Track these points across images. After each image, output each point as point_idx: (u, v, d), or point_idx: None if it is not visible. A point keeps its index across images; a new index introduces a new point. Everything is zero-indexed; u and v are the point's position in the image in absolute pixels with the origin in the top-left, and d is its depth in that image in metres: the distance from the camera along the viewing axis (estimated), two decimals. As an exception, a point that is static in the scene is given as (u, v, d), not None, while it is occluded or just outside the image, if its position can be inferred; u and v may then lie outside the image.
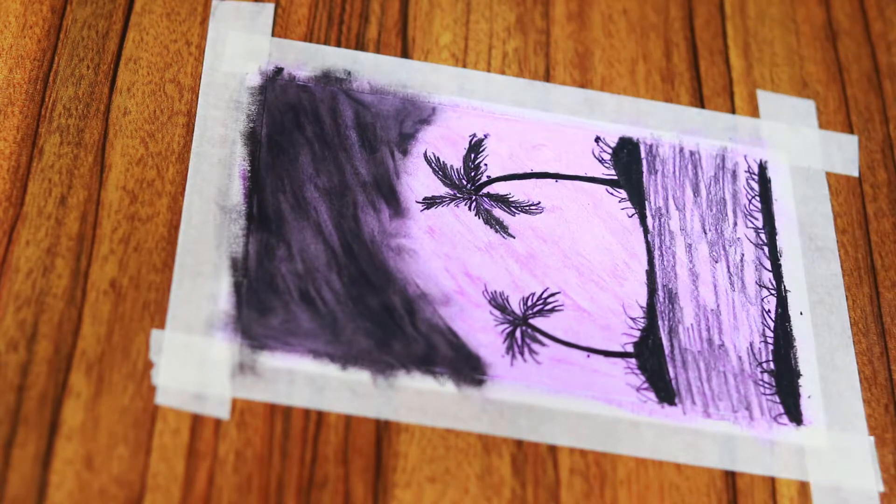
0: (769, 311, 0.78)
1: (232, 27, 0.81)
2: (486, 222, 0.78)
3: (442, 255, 0.76)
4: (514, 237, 0.78)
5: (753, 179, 0.83)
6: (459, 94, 0.82)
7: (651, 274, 0.78)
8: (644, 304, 0.77)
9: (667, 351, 0.75)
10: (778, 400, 0.75)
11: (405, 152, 0.79)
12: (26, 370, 0.68)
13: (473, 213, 0.78)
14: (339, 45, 0.83)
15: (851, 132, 0.85)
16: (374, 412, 0.71)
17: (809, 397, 0.75)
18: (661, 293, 0.77)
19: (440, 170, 0.79)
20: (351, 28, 0.83)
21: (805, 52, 0.89)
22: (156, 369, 0.70)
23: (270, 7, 0.83)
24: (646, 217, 0.80)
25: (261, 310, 0.72)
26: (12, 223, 0.72)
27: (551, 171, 0.81)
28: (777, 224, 0.81)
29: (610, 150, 0.82)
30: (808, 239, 0.81)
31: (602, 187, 0.81)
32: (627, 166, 0.82)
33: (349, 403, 0.71)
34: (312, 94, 0.80)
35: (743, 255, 0.79)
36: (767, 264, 0.79)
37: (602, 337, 0.75)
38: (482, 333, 0.74)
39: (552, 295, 0.76)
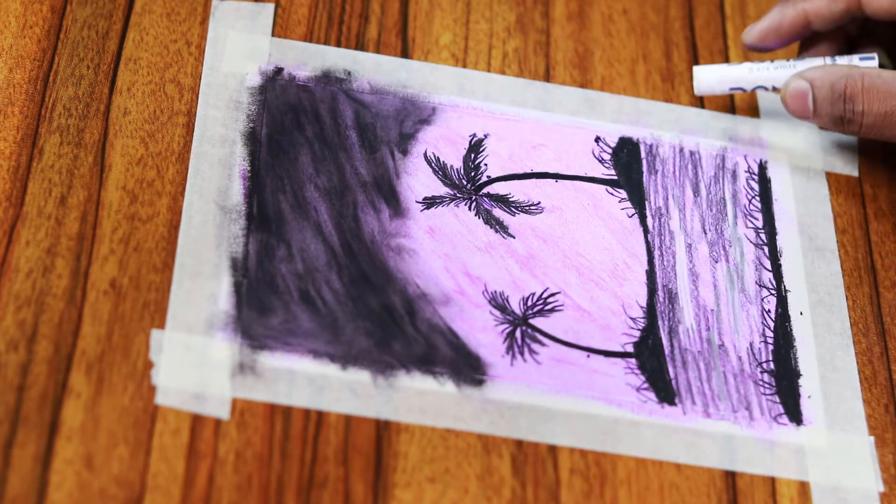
0: (769, 311, 0.78)
1: (232, 27, 0.81)
2: (486, 222, 0.78)
3: (442, 255, 0.76)
4: (514, 237, 0.78)
5: (753, 179, 0.83)
6: (459, 94, 0.82)
7: (651, 274, 0.78)
8: (644, 304, 0.77)
9: (667, 351, 0.75)
10: (778, 400, 0.75)
11: (405, 152, 0.79)
12: (26, 370, 0.68)
13: (473, 213, 0.78)
14: (339, 45, 0.83)
15: (851, 132, 0.85)
16: (374, 412, 0.71)
17: (809, 397, 0.75)
18: (661, 293, 0.77)
19: (440, 170, 0.79)
20: (351, 28, 0.83)
21: (805, 52, 0.89)
22: (156, 369, 0.70)
23: (270, 7, 0.83)
24: (646, 217, 0.80)
25: (261, 310, 0.72)
26: (12, 223, 0.72)
27: (551, 171, 0.81)
28: (777, 224, 0.81)
29: (610, 150, 0.82)
30: (808, 239, 0.81)
31: (602, 187, 0.81)
32: (627, 166, 0.82)
33: (349, 403, 0.71)
34: (312, 94, 0.80)
35: (743, 255, 0.80)
36: (767, 264, 0.79)
37: (602, 337, 0.75)
38: (482, 333, 0.74)
39: (552, 295, 0.76)
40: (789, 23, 0.82)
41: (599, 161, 0.82)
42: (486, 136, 0.81)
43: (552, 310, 0.75)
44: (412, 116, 0.81)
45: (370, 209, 0.77)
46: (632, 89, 0.85)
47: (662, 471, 0.72)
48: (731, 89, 0.82)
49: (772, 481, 0.72)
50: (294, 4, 0.83)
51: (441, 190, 0.78)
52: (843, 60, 0.81)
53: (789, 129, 0.85)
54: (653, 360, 0.75)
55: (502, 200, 0.79)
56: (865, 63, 0.81)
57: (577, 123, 0.83)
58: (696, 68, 0.83)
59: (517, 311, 0.75)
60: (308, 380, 0.71)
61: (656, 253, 0.79)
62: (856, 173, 0.84)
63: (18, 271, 0.71)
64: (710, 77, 0.82)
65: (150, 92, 0.78)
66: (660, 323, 0.76)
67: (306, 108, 0.79)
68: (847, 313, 0.78)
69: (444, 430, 0.71)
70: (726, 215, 0.81)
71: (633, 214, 0.80)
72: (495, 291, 0.75)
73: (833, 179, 0.84)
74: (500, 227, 0.78)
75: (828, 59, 0.81)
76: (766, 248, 0.80)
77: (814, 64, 0.81)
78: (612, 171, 0.81)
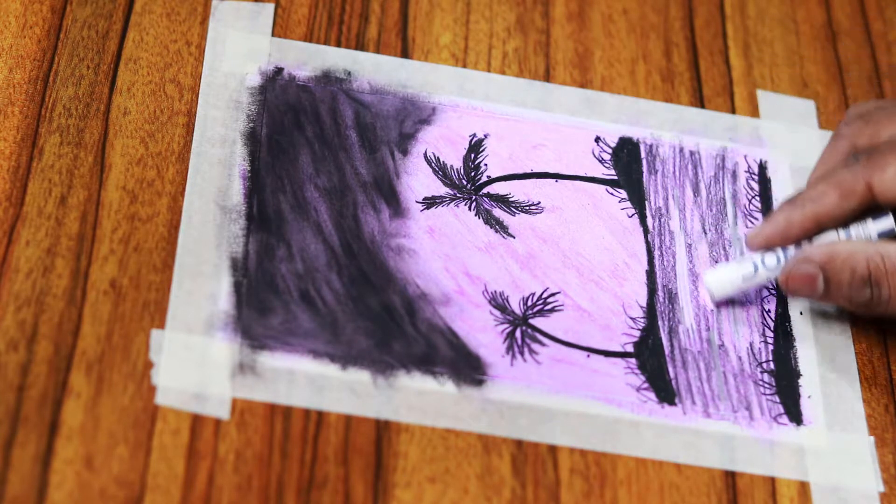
0: (769, 311, 0.78)
1: (232, 27, 0.81)
2: (486, 222, 0.78)
3: (442, 255, 0.76)
4: (514, 237, 0.78)
5: (753, 179, 0.83)
6: (459, 94, 0.82)
7: (651, 274, 0.78)
8: (644, 304, 0.77)
9: (667, 351, 0.75)
10: (778, 400, 0.75)
11: (405, 152, 0.79)
12: (26, 370, 0.68)
13: (473, 213, 0.78)
14: (339, 45, 0.83)
15: (851, 132, 0.85)
16: (374, 412, 0.71)
17: (809, 397, 0.75)
18: (661, 293, 0.77)
19: (440, 170, 0.79)
20: (351, 28, 0.83)
21: (805, 52, 0.89)
22: (156, 369, 0.70)
23: (270, 7, 0.83)
24: (646, 217, 0.80)
25: (261, 310, 0.72)
26: (12, 223, 0.72)
27: (551, 171, 0.81)
28: (777, 224, 0.81)
29: (610, 150, 0.82)
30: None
31: (602, 187, 0.81)
32: (627, 166, 0.82)
33: (349, 403, 0.71)
34: (312, 94, 0.80)
35: (743, 254, 0.79)
36: (767, 264, 0.79)
37: (602, 337, 0.75)
38: (482, 333, 0.74)
39: (552, 295, 0.76)
40: (798, 228, 0.75)
41: (599, 161, 0.82)
42: (486, 136, 0.81)
43: (552, 310, 0.75)
44: (412, 116, 0.81)
45: (370, 209, 0.77)
46: (632, 89, 0.85)
47: (662, 471, 0.72)
48: (745, 279, 0.76)
49: (772, 481, 0.72)
50: (294, 4, 0.83)
51: (441, 190, 0.78)
52: (855, 229, 0.75)
53: (789, 129, 0.85)
54: (653, 360, 0.75)
55: (502, 200, 0.79)
56: (879, 225, 0.75)
57: (577, 123, 0.83)
58: (706, 276, 0.77)
59: (517, 311, 0.75)
60: (308, 380, 0.71)
61: (656, 253, 0.79)
62: (856, 173, 0.84)
63: (18, 271, 0.71)
64: (723, 281, 0.76)
65: (150, 92, 0.78)
66: (660, 323, 0.76)
67: (306, 108, 0.79)
68: (847, 313, 0.78)
69: (444, 430, 0.71)
70: (726, 215, 0.81)
71: (633, 214, 0.80)
72: (495, 291, 0.75)
73: (833, 179, 0.83)
74: (500, 227, 0.78)
75: (841, 232, 0.75)
76: (766, 248, 0.80)
77: (821, 240, 0.76)
78: (612, 171, 0.81)
